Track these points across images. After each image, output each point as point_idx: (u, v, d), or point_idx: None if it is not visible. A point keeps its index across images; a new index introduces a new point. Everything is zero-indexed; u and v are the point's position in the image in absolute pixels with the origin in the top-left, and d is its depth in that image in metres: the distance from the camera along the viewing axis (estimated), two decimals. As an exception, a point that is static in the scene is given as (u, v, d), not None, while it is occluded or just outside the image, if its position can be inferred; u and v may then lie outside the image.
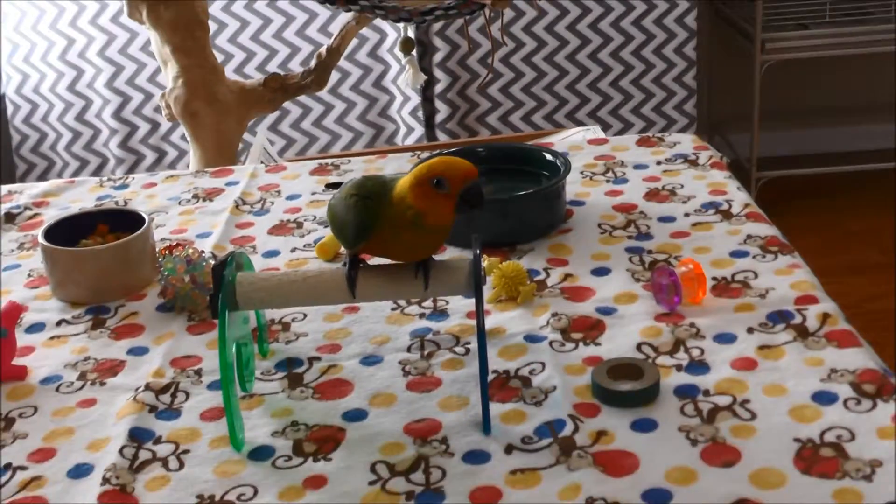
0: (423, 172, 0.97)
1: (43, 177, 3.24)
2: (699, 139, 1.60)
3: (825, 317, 1.09)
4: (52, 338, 1.23)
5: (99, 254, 1.30)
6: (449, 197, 0.96)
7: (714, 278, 1.19)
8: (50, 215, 1.57)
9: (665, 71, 3.19)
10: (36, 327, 1.26)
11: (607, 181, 1.49)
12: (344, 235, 1.02)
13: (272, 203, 1.55)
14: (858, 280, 2.92)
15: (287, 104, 3.10)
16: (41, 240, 1.31)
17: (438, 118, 3.20)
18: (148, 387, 1.10)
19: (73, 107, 3.15)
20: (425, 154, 1.67)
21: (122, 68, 3.07)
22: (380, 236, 0.99)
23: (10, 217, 1.57)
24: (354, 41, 3.07)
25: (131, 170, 3.20)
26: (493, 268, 1.21)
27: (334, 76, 3.10)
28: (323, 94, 3.13)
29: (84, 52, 3.08)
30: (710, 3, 3.47)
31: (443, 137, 3.22)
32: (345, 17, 1.98)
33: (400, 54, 2.05)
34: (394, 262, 1.03)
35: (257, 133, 2.20)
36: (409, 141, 3.20)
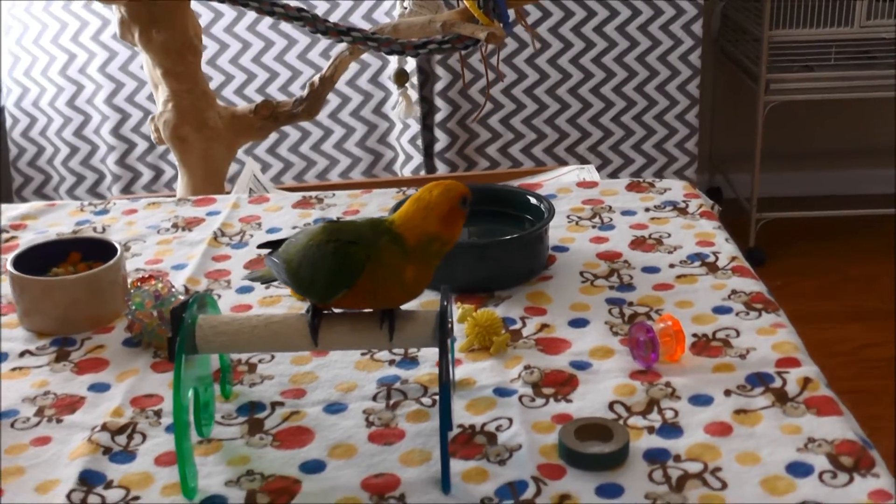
0: (452, 195, 0.96)
1: (39, 191, 3.22)
2: (691, 186, 1.57)
3: (806, 381, 1.06)
4: (13, 369, 1.20)
5: (67, 284, 1.27)
6: (465, 213, 0.97)
7: (694, 335, 1.16)
8: (26, 239, 1.55)
9: (668, 108, 3.16)
10: (-1, 358, 1.23)
11: (593, 227, 1.46)
12: (317, 287, 0.98)
13: (251, 236, 1.52)
14: (856, 326, 2.88)
15: (286, 127, 3.08)
16: (9, 267, 1.28)
17: (438, 147, 3.17)
18: (105, 427, 1.07)
19: (71, 122, 3.13)
20: (411, 190, 1.64)
21: (122, 85, 3.05)
22: (364, 282, 0.95)
23: (-15, 240, 1.54)
24: (356, 66, 3.05)
25: (128, 187, 3.18)
26: (466, 315, 1.18)
27: (334, 101, 3.09)
28: (322, 118, 3.11)
29: (85, 68, 3.06)
30: (714, 41, 3.45)
31: (441, 167, 3.19)
32: (341, 45, 1.95)
33: (394, 86, 2.02)
34: (359, 310, 1.00)
35: (247, 161, 2.17)
36: (408, 169, 3.17)
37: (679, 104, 3.15)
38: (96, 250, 1.35)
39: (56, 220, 1.61)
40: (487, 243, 1.30)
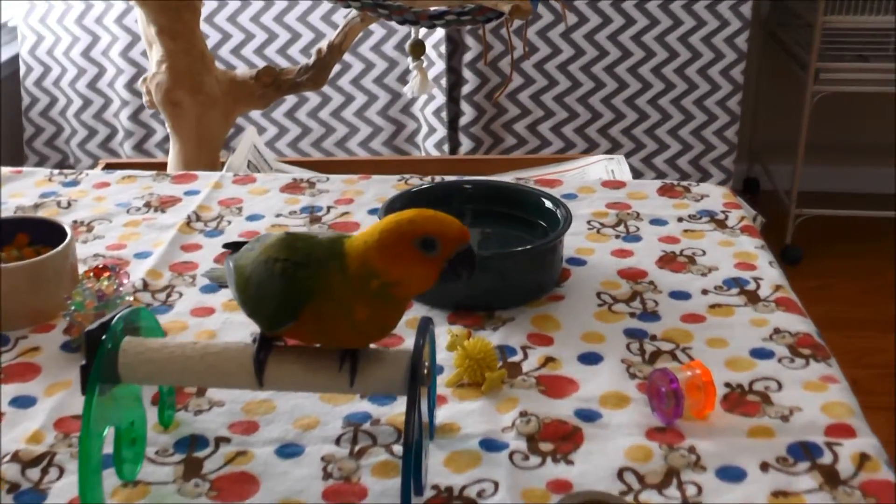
0: (405, 230, 0.75)
1: (50, 142, 3.07)
2: (731, 194, 1.37)
3: (863, 459, 0.86)
4: (-69, 371, 1.03)
5: (5, 274, 1.10)
6: (436, 261, 0.75)
7: (727, 384, 0.97)
8: (-19, 210, 1.38)
9: (709, 93, 2.95)
10: (-83, 356, 1.06)
11: (617, 237, 1.26)
12: (261, 313, 0.80)
13: (229, 223, 1.34)
14: (894, 337, 2.67)
15: (306, 93, 2.90)
16: (-61, 250, 1.11)
17: (463, 121, 2.99)
18: (16, 456, 0.90)
19: (85, 73, 2.98)
20: (414, 178, 1.46)
21: (138, 38, 2.88)
22: (312, 316, 0.77)
23: (-65, 209, 1.37)
24: (381, 32, 2.86)
25: (140, 144, 3.02)
26: (456, 344, 0.99)
27: (357, 67, 2.91)
28: (344, 84, 2.94)
29: (101, 18, 2.91)
30: (763, 24, 3.23)
31: (466, 141, 3.01)
32: (351, 12, 1.77)
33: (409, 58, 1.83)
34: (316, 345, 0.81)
35: (247, 130, 1.99)
36: (430, 143, 2.99)
37: (721, 89, 2.95)
38: (47, 233, 1.18)
39: (20, 190, 1.44)
40: (491, 256, 1.11)
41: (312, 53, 1.87)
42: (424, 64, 1.84)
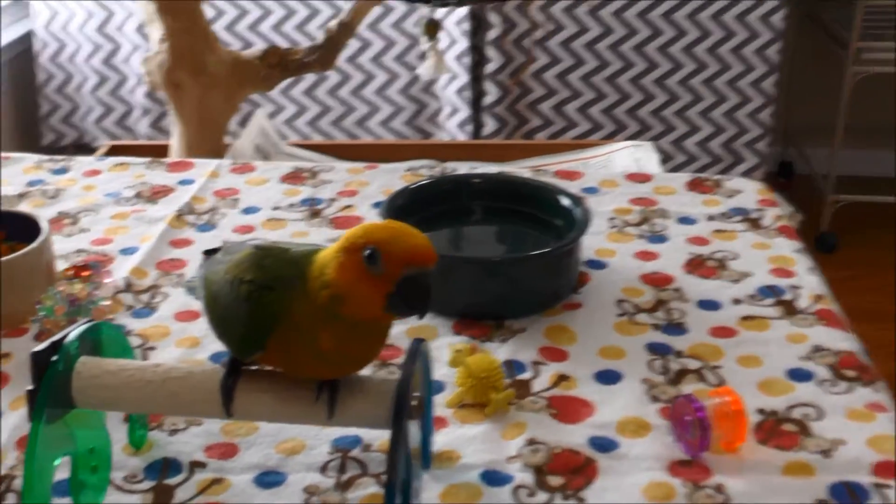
0: (355, 237, 0.65)
1: (67, 119, 2.99)
2: (767, 190, 1.27)
3: (914, 503, 0.76)
4: None
5: (-30, 272, 1.01)
6: (380, 282, 0.64)
7: (761, 411, 0.87)
8: (-37, 200, 1.29)
9: (743, 73, 2.82)
10: None
11: (641, 236, 1.16)
12: (229, 338, 0.71)
13: (223, 216, 1.24)
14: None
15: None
16: None
17: (487, 101, 2.88)
18: (-29, 480, 0.81)
19: (101, 49, 2.90)
20: (423, 167, 1.36)
21: (153, 14, 2.79)
22: (277, 345, 0.68)
23: (-85, 197, 1.29)
24: (402, 8, 2.76)
25: (157, 121, 2.94)
26: (459, 360, 0.89)
27: (378, 45, 2.81)
28: (364, 62, 2.85)
29: (115, -8, 2.82)
30: (800, 3, 3.10)
31: (490, 122, 2.90)
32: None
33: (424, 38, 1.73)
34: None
35: (257, 112, 1.89)
36: (453, 123, 2.89)
37: (756, 70, 2.82)
38: (23, 228, 1.08)
39: (5, 178, 1.36)
40: (500, 260, 1.01)
41: (321, 33, 1.77)
42: (440, 44, 1.74)
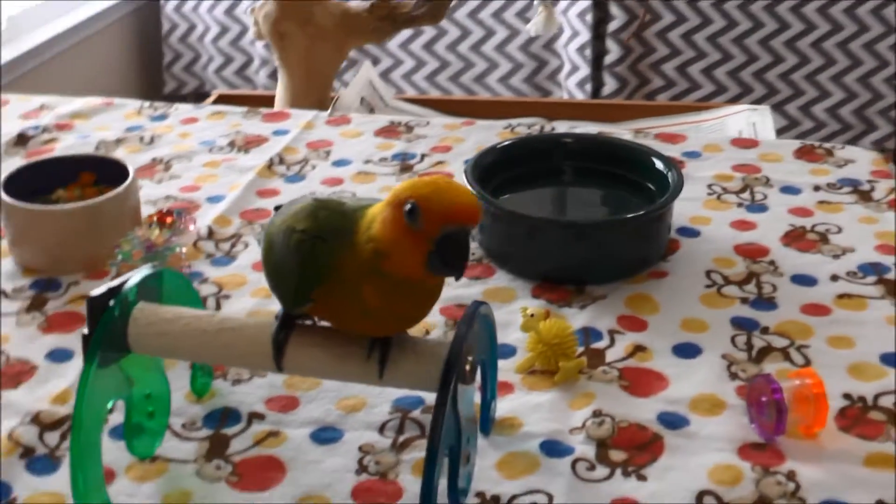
0: (401, 191, 0.63)
1: (189, 68, 3.04)
2: (883, 161, 1.19)
3: None
4: (-23, 314, 0.97)
5: (58, 215, 1.02)
6: (419, 238, 0.62)
7: (847, 396, 0.81)
8: (66, 144, 1.31)
9: (882, 35, 2.68)
10: (-33, 296, 1.00)
11: (739, 205, 1.11)
12: (280, 289, 0.69)
13: (313, 167, 1.23)
14: None
15: (445, 24, 2.78)
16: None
17: (608, 59, 2.81)
18: (37, 418, 0.82)
19: (223, -1, 2.93)
20: (521, 124, 1.32)
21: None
22: (325, 298, 0.66)
23: (22, 139, 1.31)
24: (526, -39, 2.71)
25: (275, 72, 2.95)
26: (531, 325, 0.86)
27: (499, -1, 2.77)
28: (485, 17, 2.81)
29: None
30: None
31: (610, 81, 2.83)
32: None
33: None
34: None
35: (364, 64, 1.88)
36: (572, 81, 2.83)
37: (896, 33, 2.68)
38: (113, 173, 1.09)
39: (106, 123, 1.37)
40: (585, 224, 0.97)
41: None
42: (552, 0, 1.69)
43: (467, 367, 0.66)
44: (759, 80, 2.79)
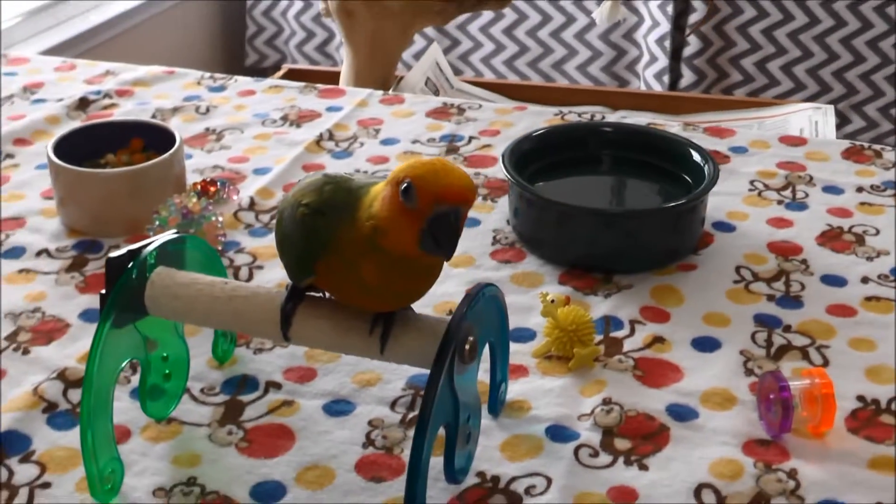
0: (399, 171, 0.64)
1: (271, 41, 3.08)
2: (933, 163, 1.17)
3: None
4: (20, 271, 1.01)
5: (103, 178, 1.06)
6: (414, 216, 0.63)
7: (860, 398, 0.80)
8: (125, 109, 1.35)
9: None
10: (14, 252, 1.03)
11: (780, 202, 1.09)
12: (286, 258, 0.71)
13: (361, 145, 1.25)
14: None
15: (526, 9, 2.78)
16: (49, 151, 1.07)
17: (687, 51, 2.78)
18: (62, 374, 0.85)
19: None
20: (572, 112, 1.32)
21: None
22: (325, 272, 0.68)
23: (84, 103, 1.35)
24: (606, -51, 2.69)
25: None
26: (550, 310, 0.87)
27: (580, -16, 2.76)
28: (567, 4, 2.79)
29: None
30: None
31: (688, 73, 2.81)
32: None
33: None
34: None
35: (432, 46, 1.89)
36: (650, 72, 2.81)
37: None
38: (162, 140, 1.12)
39: (165, 92, 1.40)
40: (616, 212, 0.97)
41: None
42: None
43: (467, 346, 0.67)
44: (839, 79, 2.74)
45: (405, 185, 0.62)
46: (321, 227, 0.66)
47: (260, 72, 3.03)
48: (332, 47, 3.02)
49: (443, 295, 0.94)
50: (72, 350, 0.89)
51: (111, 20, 2.36)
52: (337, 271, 0.67)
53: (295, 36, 3.04)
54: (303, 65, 3.02)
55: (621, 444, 0.77)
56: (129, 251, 0.73)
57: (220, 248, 1.02)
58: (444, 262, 0.68)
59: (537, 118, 1.31)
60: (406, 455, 0.76)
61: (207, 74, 1.46)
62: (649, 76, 2.82)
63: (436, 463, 0.71)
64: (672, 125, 1.27)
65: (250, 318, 0.72)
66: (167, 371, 0.80)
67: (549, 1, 2.81)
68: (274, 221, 1.07)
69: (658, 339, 0.88)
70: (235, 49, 3.07)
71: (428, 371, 0.65)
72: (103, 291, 0.73)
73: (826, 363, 0.84)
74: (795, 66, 2.76)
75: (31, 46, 2.11)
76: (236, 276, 0.98)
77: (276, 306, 0.71)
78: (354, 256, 0.65)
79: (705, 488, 0.72)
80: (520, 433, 0.78)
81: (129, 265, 0.73)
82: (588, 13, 2.78)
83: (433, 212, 0.62)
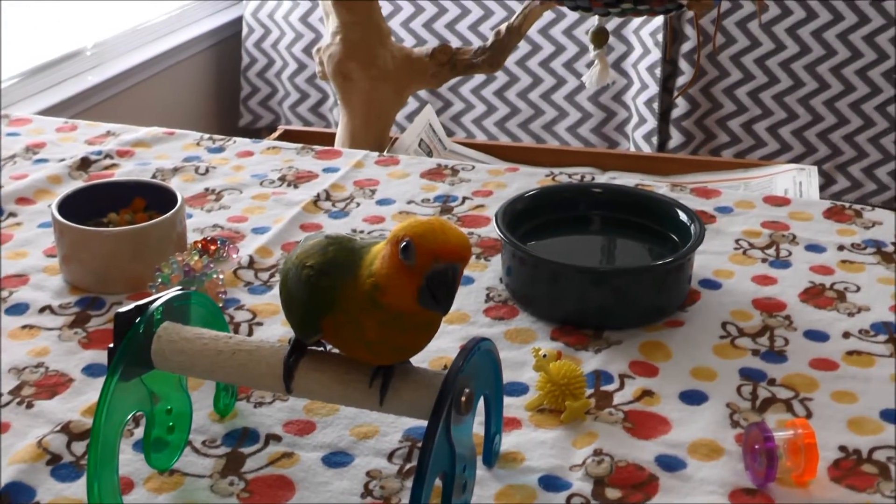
0: (398, 230, 0.68)
1: (264, 102, 3.13)
2: (911, 223, 1.21)
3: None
4: (24, 326, 1.03)
5: (106, 237, 1.09)
6: (413, 274, 0.66)
7: (842, 448, 0.83)
8: (126, 169, 1.38)
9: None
10: (18, 308, 1.06)
11: (764, 260, 1.13)
12: (292, 318, 0.74)
13: (357, 205, 1.28)
14: None
15: (518, 72, 2.84)
16: (54, 210, 1.11)
17: (675, 113, 2.84)
18: (67, 427, 0.87)
19: (302, 38, 3.03)
20: (563, 173, 1.36)
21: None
22: (331, 329, 0.71)
23: (85, 163, 1.39)
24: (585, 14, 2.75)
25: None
26: (542, 365, 0.89)
27: (571, 49, 2.81)
28: (557, 67, 2.86)
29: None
30: None
31: (676, 135, 2.86)
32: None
33: (591, 46, 1.72)
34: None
35: (426, 107, 1.93)
36: (639, 133, 2.86)
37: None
38: (163, 200, 1.15)
39: (165, 153, 1.44)
40: (606, 270, 1.00)
41: (490, 35, 1.79)
42: (608, 53, 1.73)
43: (463, 398, 0.70)
44: (823, 141, 2.80)
45: (405, 243, 0.65)
46: (326, 287, 0.69)
47: (254, 132, 3.08)
48: (326, 108, 3.07)
49: (437, 350, 0.96)
50: (75, 403, 0.91)
51: (108, 80, 2.41)
52: (342, 327, 0.70)
53: (289, 97, 3.09)
54: (296, 125, 3.07)
55: (612, 493, 0.79)
56: (137, 306, 0.76)
57: (220, 304, 1.04)
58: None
59: (529, 179, 1.35)
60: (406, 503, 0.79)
61: (206, 136, 1.49)
62: (638, 137, 2.87)
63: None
64: (660, 186, 1.30)
65: (253, 371, 0.74)
66: (171, 423, 0.82)
67: (540, 64, 2.87)
68: (273, 279, 1.11)
69: (647, 393, 0.91)
70: (230, 109, 3.12)
71: (425, 423, 0.68)
72: (111, 345, 0.75)
73: (809, 415, 0.87)
74: (781, 128, 2.81)
75: (30, 106, 2.15)
76: (236, 333, 1.01)
77: (279, 360, 0.74)
78: (357, 313, 0.68)
79: (693, 536, 0.75)
80: (514, 483, 0.81)
81: (137, 320, 0.75)
82: (578, 76, 2.84)
83: (431, 269, 0.65)
